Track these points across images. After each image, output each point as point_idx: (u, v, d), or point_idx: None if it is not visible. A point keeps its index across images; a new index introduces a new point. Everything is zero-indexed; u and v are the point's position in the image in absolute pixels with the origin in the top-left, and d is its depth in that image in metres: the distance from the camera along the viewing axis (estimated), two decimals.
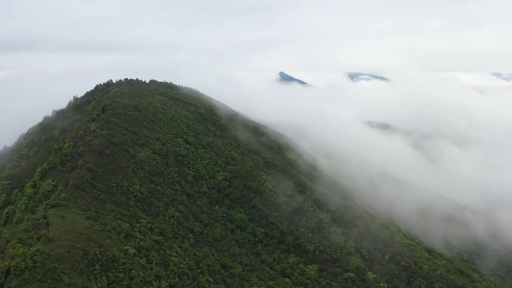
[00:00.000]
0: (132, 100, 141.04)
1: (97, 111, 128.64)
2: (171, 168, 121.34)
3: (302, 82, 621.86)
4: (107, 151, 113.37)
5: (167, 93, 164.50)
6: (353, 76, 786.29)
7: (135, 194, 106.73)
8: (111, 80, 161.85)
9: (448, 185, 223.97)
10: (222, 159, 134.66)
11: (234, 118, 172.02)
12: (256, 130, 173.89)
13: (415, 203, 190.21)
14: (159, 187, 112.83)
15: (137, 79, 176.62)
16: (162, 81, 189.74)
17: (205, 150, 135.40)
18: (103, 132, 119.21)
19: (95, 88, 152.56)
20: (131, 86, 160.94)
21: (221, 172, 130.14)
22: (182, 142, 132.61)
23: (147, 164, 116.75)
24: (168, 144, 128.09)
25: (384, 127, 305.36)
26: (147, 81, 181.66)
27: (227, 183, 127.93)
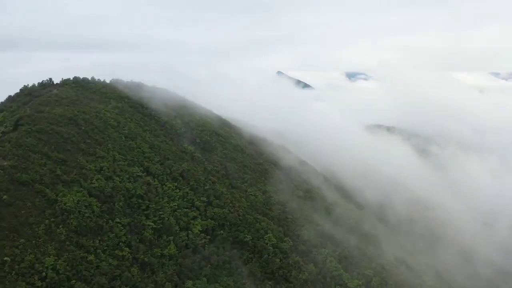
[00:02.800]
0: (69, 109, 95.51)
1: (7, 126, 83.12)
2: (118, 220, 76.18)
3: (299, 82, 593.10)
4: (5, 197, 68.09)
5: (130, 97, 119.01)
6: (351, 76, 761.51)
7: (45, 274, 61.72)
8: (50, 79, 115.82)
9: (474, 205, 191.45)
10: (202, 198, 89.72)
11: (223, 131, 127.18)
12: (253, 147, 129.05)
13: (451, 238, 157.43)
14: (91, 257, 67.72)
15: (92, 78, 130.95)
16: (130, 80, 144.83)
17: (175, 184, 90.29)
18: (5, 163, 73.80)
19: (20, 90, 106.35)
20: (79, 88, 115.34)
21: (200, 220, 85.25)
22: (140, 173, 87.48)
23: (76, 215, 71.45)
24: (117, 179, 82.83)
25: (386, 130, 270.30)
26: (107, 81, 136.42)
27: (208, 237, 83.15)
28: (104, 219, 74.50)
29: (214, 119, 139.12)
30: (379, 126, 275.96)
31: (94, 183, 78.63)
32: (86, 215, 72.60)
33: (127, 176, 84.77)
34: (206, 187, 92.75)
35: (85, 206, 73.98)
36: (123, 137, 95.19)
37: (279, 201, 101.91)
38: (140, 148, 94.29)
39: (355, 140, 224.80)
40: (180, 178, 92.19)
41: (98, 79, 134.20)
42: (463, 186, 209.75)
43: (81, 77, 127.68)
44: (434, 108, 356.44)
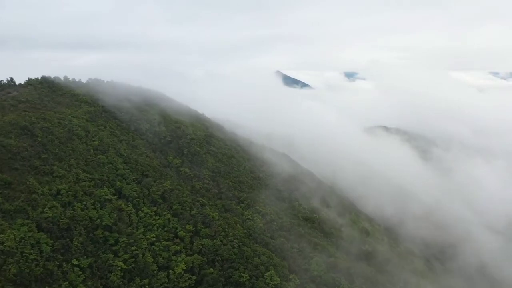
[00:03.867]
0: (26, 116, 77.95)
1: None
2: (75, 261, 58.64)
3: (298, 81, 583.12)
4: None
5: (106, 100, 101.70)
6: (349, 75, 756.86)
7: None
8: (11, 79, 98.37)
9: (485, 212, 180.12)
10: (188, 226, 72.32)
11: (215, 139, 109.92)
12: (250, 157, 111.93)
13: (471, 256, 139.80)
14: None
15: (65, 77, 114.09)
16: (110, 80, 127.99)
17: (155, 209, 72.87)
18: None
19: None
20: (45, 89, 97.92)
21: (184, 255, 67.82)
22: (109, 196, 69.98)
23: (16, 259, 53.86)
24: (78, 205, 65.34)
25: (386, 131, 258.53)
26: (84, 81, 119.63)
27: (194, 278, 65.71)
28: (56, 262, 56.98)
29: (206, 125, 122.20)
30: (379, 127, 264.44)
31: (47, 213, 61.11)
32: (31, 257, 55.11)
33: (92, 201, 67.26)
34: (192, 212, 75.34)
35: (31, 245, 56.50)
36: (91, 150, 77.74)
37: (283, 226, 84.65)
38: (112, 164, 76.85)
39: (354, 142, 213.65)
40: (161, 201, 74.78)
41: (73, 79, 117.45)
42: (471, 191, 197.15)
43: (71, 77, 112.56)
44: (434, 108, 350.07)
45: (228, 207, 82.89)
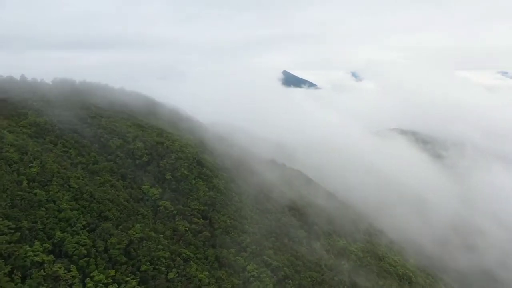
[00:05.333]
0: None
1: None
2: None
3: (306, 82, 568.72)
4: None
5: (68, 107, 77.75)
6: (356, 75, 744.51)
7: None
8: None
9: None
10: None
11: (209, 156, 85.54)
12: (255, 179, 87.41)
13: None
14: None
15: (22, 76, 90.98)
16: (83, 80, 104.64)
17: (112, 273, 48.38)
18: None
19: None
20: None
21: None
22: (39, 258, 45.67)
23: None
24: None
25: (395, 133, 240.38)
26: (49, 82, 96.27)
27: None
28: None
29: (201, 136, 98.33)
30: (389, 130, 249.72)
31: None
32: None
33: (9, 268, 43.10)
34: (170, 274, 50.99)
35: None
36: (25, 183, 53.61)
37: (301, 285, 60.02)
38: (54, 202, 52.63)
39: (365, 146, 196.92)
40: (123, 260, 50.41)
41: (34, 79, 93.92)
42: (492, 201, 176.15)
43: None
44: (443, 109, 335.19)
45: (223, 260, 58.38)
